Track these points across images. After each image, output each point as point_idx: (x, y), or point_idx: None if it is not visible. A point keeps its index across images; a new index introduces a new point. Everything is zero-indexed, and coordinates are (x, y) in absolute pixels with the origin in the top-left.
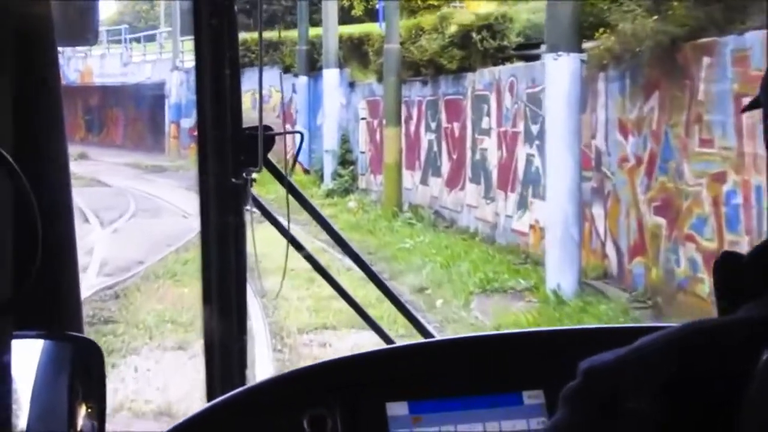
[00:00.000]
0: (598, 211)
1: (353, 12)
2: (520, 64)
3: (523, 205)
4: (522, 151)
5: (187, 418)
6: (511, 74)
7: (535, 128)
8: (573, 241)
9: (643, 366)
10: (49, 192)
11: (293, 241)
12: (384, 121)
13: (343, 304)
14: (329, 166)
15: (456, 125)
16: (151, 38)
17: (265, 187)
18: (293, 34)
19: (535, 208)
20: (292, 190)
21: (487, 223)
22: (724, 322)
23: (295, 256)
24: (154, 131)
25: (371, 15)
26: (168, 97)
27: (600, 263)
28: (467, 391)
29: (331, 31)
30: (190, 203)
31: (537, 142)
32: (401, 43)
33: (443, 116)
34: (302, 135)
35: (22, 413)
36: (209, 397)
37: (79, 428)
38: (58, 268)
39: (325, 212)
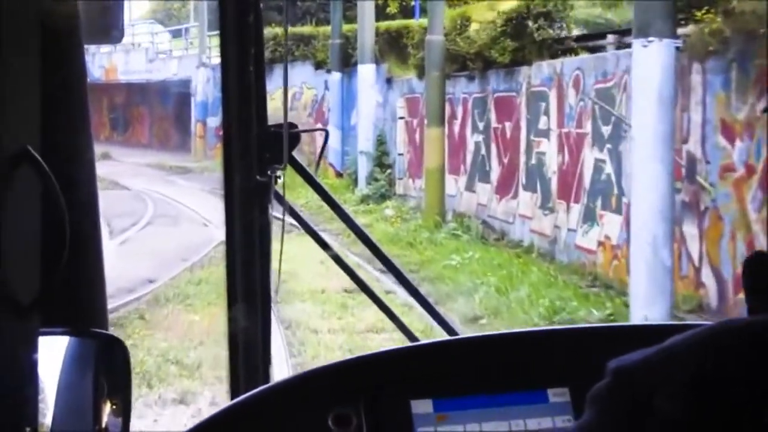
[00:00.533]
0: (690, 230)
1: (388, 10)
2: (586, 56)
3: (590, 217)
4: (589, 155)
5: (211, 415)
6: (576, 67)
7: (605, 129)
8: (664, 266)
9: (672, 365)
10: (75, 189)
11: (319, 240)
12: (425, 121)
13: (382, 341)
14: (364, 169)
15: (507, 125)
16: (177, 34)
17: (295, 191)
18: (326, 29)
19: (606, 221)
20: (318, 188)
21: (544, 237)
22: (754, 322)
23: (327, 275)
24: (181, 130)
25: (406, 12)
26: (194, 95)
27: (694, 293)
28: (492, 389)
29: (367, 24)
30: (213, 209)
31: (608, 145)
32: (445, 35)
33: (492, 115)
34: (327, 132)
35: (47, 410)
36: (233, 395)
37: (103, 425)
38: (83, 265)
39: (360, 221)
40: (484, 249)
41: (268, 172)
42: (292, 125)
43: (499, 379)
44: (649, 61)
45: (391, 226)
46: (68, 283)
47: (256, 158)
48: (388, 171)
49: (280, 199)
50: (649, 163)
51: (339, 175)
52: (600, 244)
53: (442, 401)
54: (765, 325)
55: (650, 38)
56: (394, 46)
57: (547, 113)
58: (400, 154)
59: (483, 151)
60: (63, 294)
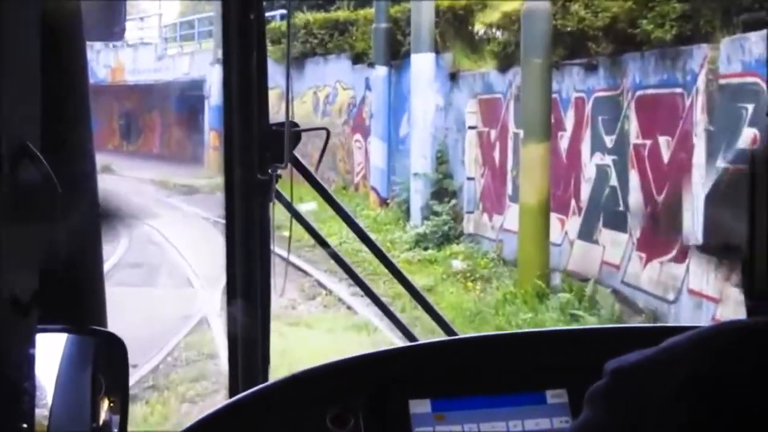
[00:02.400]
0: None
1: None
2: None
3: None
4: None
5: (209, 413)
6: None
7: None
8: None
9: (671, 366)
10: (75, 186)
11: (318, 238)
12: (521, 134)
13: None
14: (419, 198)
15: (663, 141)
16: (189, 27)
17: (326, 225)
18: (368, 12)
19: None
20: (320, 189)
21: None
22: (751, 324)
23: None
24: (193, 140)
25: None
26: (208, 97)
27: None
28: (490, 389)
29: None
30: (209, 251)
31: None
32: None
33: (633, 125)
34: (328, 132)
35: (45, 407)
36: (232, 393)
37: (101, 422)
38: (82, 262)
39: (417, 279)
40: None
41: (269, 171)
42: (294, 124)
43: (498, 379)
44: None
45: (465, 290)
46: (67, 280)
47: (257, 157)
48: (453, 201)
49: (282, 200)
50: None
51: (384, 203)
52: None
53: (440, 401)
54: (764, 327)
55: None
56: (460, 29)
57: (755, 122)
58: (469, 179)
59: (613, 181)
60: (62, 291)
